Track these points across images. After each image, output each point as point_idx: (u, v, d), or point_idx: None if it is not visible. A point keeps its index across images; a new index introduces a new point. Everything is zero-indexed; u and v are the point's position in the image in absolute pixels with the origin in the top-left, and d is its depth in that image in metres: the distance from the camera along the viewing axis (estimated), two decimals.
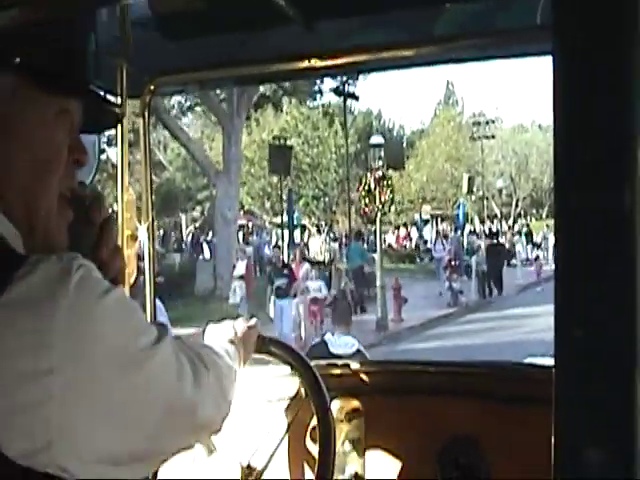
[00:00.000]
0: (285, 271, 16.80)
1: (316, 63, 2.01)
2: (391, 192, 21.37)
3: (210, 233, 33.04)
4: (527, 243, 38.03)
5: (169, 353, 1.08)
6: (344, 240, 32.07)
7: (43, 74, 1.09)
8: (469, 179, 36.26)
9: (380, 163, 21.54)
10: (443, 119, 50.30)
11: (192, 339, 1.38)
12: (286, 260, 19.59)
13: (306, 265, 18.09)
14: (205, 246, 32.16)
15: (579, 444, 0.67)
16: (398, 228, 42.62)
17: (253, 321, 1.75)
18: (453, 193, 43.90)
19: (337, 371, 2.15)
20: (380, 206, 20.86)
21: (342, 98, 29.80)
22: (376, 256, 21.27)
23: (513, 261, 31.43)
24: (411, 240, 41.46)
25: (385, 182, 21.16)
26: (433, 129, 50.89)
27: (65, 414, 0.91)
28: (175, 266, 26.32)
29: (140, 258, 2.08)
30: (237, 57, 2.10)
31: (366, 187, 21.36)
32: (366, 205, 21.69)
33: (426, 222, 44.14)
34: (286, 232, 27.08)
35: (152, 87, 2.13)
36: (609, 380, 0.67)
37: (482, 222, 41.95)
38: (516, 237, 37.42)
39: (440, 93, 51.83)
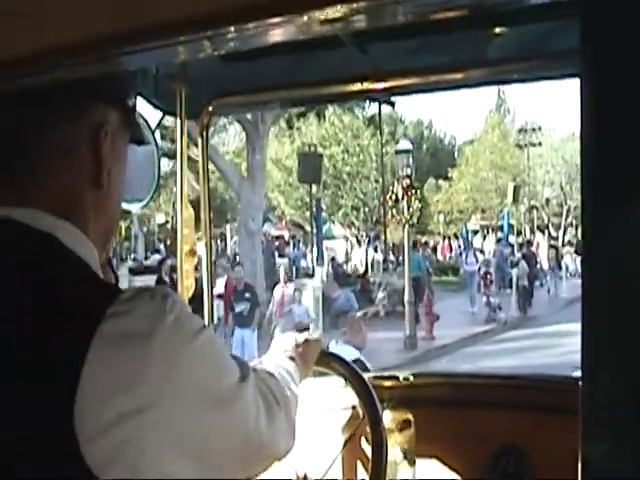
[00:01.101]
0: (247, 294, 14.37)
1: (369, 85, 2.10)
2: (419, 202, 20.39)
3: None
4: (575, 254, 37.60)
5: (251, 392, 1.15)
6: (390, 251, 32.06)
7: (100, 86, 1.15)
8: (515, 188, 35.92)
9: (408, 171, 20.45)
10: (488, 126, 50.07)
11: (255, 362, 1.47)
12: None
13: (291, 286, 16.79)
14: None
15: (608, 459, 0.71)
16: (446, 239, 42.54)
17: (316, 335, 1.81)
18: (498, 202, 43.62)
19: (389, 383, 2.24)
20: (408, 217, 19.91)
21: (377, 104, 29.33)
22: (405, 269, 20.37)
23: (560, 273, 30.94)
24: (451, 251, 41.34)
25: (413, 191, 20.16)
26: (478, 137, 50.71)
27: (155, 447, 0.95)
28: None
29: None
30: (292, 79, 2.20)
31: (393, 196, 20.34)
32: (393, 216, 20.79)
33: (476, 232, 43.93)
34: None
35: (210, 108, 2.24)
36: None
37: (532, 232, 41.67)
38: (566, 248, 37.00)
39: (492, 102, 51.28)
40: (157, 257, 27.98)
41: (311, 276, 23.00)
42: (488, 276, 23.88)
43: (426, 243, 28.10)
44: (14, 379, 0.95)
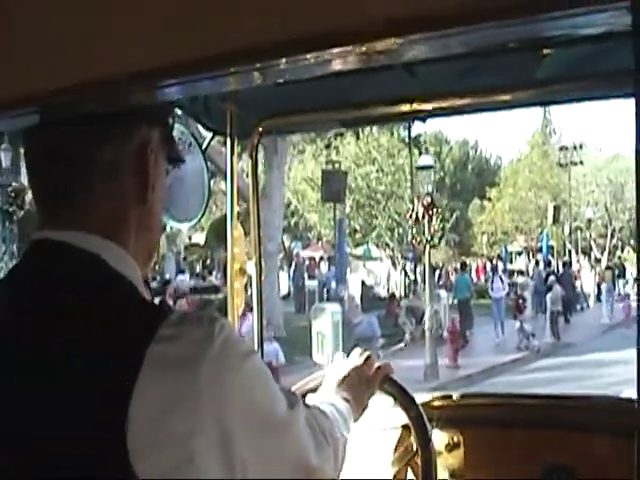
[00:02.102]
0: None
1: (418, 107, 2.18)
2: (441, 221, 19.78)
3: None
4: (618, 277, 37.01)
5: (302, 422, 1.19)
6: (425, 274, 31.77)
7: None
8: (555, 208, 35.71)
9: (430, 188, 19.86)
10: (529, 145, 49.88)
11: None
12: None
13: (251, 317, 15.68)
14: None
15: None
16: (481, 260, 42.34)
17: (384, 361, 1.82)
18: (538, 223, 43.36)
19: (438, 402, 2.28)
20: (429, 237, 19.17)
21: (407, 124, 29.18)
22: (425, 292, 19.57)
23: (602, 297, 30.33)
24: (485, 273, 41.04)
25: (434, 210, 19.46)
26: (519, 156, 50.61)
27: (204, 470, 1.00)
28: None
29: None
30: (341, 100, 2.28)
31: (413, 215, 19.70)
32: (413, 237, 20.24)
33: (520, 254, 43.56)
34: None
35: (260, 129, 2.32)
36: None
37: (573, 254, 41.34)
38: (608, 271, 36.55)
39: (537, 122, 50.90)
40: (181, 278, 28.12)
41: (341, 299, 22.58)
42: (521, 301, 23.10)
43: (462, 265, 27.57)
44: (69, 397, 1.00)
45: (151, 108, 1.23)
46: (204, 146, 2.06)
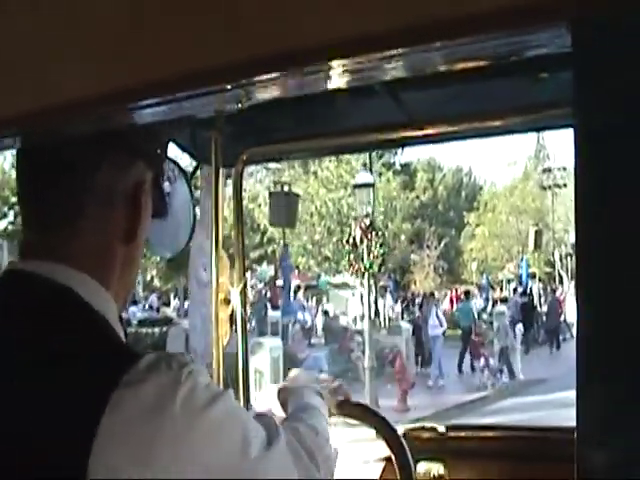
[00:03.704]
0: None
1: (405, 134, 2.26)
2: (381, 246, 18.39)
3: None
4: None
5: (282, 456, 1.20)
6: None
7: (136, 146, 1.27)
8: (536, 233, 35.87)
9: (369, 209, 18.34)
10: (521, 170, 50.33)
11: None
12: None
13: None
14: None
15: None
16: (454, 290, 42.39)
17: (337, 382, 1.88)
18: (519, 250, 43.61)
19: (423, 434, 2.35)
20: (368, 264, 17.98)
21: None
22: (365, 325, 18.10)
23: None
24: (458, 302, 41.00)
25: (374, 233, 18.35)
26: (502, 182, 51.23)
27: None
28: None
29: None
30: (327, 128, 2.36)
31: (350, 240, 18.58)
32: (351, 264, 19.04)
33: (510, 281, 43.59)
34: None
35: (244, 157, 2.42)
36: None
37: (556, 282, 41.65)
38: None
39: (531, 148, 51.19)
40: (133, 310, 28.06)
41: (284, 333, 22.07)
42: (477, 338, 21.82)
43: (466, 293, 27.31)
44: (29, 431, 1.02)
45: (149, 148, 1.30)
46: (189, 175, 2.13)
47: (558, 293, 34.20)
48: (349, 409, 1.94)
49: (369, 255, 18.13)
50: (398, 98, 2.12)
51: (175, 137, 2.23)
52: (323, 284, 37.29)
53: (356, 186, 18.93)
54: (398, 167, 42.35)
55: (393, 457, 1.90)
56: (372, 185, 18.77)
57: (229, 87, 0.89)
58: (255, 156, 2.50)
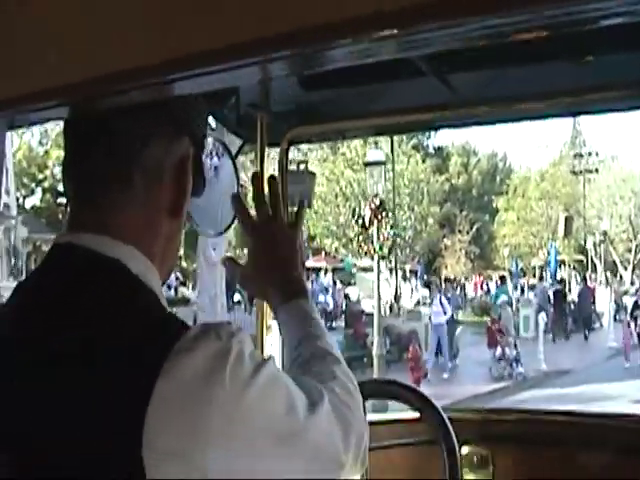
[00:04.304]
0: None
1: (449, 114, 2.29)
2: (392, 227, 18.18)
3: None
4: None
5: (324, 419, 1.22)
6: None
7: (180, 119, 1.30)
8: (566, 220, 35.57)
9: (380, 188, 17.58)
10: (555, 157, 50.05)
11: None
12: None
13: None
14: None
15: None
16: (479, 276, 42.34)
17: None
18: (549, 236, 43.28)
19: (468, 416, 2.40)
20: (378, 247, 17.15)
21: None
22: (374, 311, 17.40)
23: (619, 316, 29.23)
24: (488, 290, 40.91)
25: (384, 214, 17.87)
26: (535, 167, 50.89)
27: None
28: None
29: None
30: (371, 108, 2.39)
31: (360, 221, 18.20)
32: (360, 245, 18.98)
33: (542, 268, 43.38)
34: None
35: (289, 136, 2.46)
36: None
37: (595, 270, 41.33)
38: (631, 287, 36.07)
39: (567, 134, 50.71)
40: None
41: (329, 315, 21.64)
42: (495, 325, 21.01)
43: (449, 280, 27.22)
44: (81, 400, 1.06)
45: (194, 125, 1.33)
46: (234, 154, 2.17)
47: (590, 281, 33.89)
48: (397, 393, 2.01)
49: (379, 237, 17.59)
50: (442, 78, 2.15)
51: (221, 115, 2.28)
52: (349, 266, 37.23)
53: (367, 164, 18.17)
54: (432, 150, 42.21)
55: (437, 438, 1.94)
56: (383, 163, 18.04)
57: (275, 56, 0.91)
58: (299, 136, 2.54)
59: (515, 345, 20.35)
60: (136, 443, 1.01)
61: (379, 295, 17.42)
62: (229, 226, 1.93)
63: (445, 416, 1.96)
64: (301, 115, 2.41)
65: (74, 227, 1.25)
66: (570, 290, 33.97)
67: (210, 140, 1.77)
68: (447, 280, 35.59)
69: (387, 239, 17.99)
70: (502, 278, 27.32)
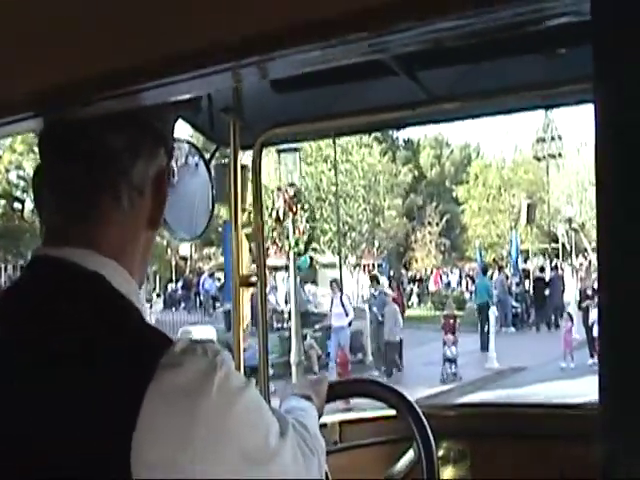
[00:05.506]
0: None
1: (419, 112, 2.35)
2: (307, 221, 17.43)
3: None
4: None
5: (290, 447, 1.29)
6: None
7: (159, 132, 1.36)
8: (528, 207, 35.70)
9: (294, 178, 16.54)
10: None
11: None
12: None
13: None
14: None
15: None
16: (438, 268, 42.56)
17: (318, 376, 2.03)
18: (511, 225, 43.48)
19: (444, 412, 2.46)
20: (293, 242, 16.65)
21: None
22: (292, 313, 16.84)
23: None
24: (449, 283, 41.32)
25: (299, 205, 17.04)
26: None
27: None
28: None
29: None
30: (343, 108, 2.46)
31: (273, 214, 16.88)
32: (274, 241, 18.45)
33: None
34: None
35: (262, 139, 2.52)
36: None
37: (547, 258, 41.73)
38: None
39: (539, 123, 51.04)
40: None
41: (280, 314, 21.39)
42: (450, 321, 20.24)
43: (484, 270, 27.06)
44: (71, 417, 1.10)
45: (169, 136, 1.39)
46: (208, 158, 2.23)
47: (559, 270, 34.10)
48: (375, 391, 2.06)
49: (294, 231, 16.87)
50: (413, 76, 2.23)
51: (193, 120, 2.37)
52: (303, 263, 37.07)
53: (280, 151, 16.73)
54: (402, 142, 42.46)
55: (413, 433, 1.99)
56: (297, 150, 16.97)
57: (243, 63, 0.93)
58: (272, 138, 2.60)
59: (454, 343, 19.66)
60: (125, 446, 1.06)
61: (296, 299, 17.00)
62: (204, 230, 1.99)
63: (421, 412, 2.02)
64: (274, 117, 2.48)
65: (53, 240, 1.28)
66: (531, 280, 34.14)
67: (185, 145, 1.84)
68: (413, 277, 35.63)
69: (303, 233, 17.20)
70: (484, 270, 27.18)
